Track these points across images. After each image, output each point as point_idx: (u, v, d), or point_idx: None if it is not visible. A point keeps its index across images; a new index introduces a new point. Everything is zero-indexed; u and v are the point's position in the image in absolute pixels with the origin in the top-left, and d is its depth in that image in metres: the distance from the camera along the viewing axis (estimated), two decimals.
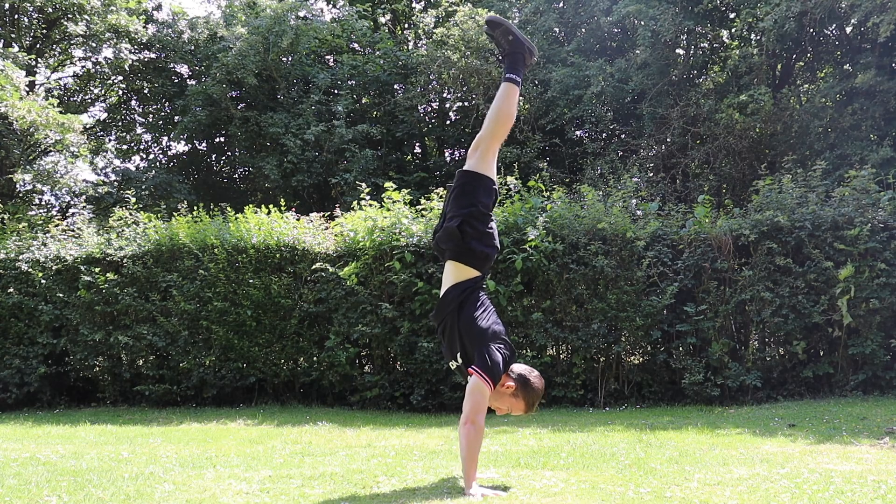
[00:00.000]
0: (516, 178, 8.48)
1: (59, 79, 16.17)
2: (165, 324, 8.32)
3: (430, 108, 15.98)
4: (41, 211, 14.89)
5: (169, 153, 17.70)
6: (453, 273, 3.81)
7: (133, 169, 16.41)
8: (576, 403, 7.69)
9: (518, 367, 3.79)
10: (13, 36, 13.89)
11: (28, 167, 13.12)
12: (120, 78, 16.37)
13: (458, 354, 3.75)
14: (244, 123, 14.79)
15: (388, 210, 8.18)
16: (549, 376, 7.73)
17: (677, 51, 13.37)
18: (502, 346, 3.70)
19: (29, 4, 13.53)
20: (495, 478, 3.97)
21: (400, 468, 4.35)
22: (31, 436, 6.35)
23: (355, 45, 16.52)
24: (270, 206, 8.98)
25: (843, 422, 5.90)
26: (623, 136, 13.88)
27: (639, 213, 8.70)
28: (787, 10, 10.64)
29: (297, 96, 14.92)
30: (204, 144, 17.19)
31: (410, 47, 16.59)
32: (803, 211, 7.67)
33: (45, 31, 14.45)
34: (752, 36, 12.80)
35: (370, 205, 8.33)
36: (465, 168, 3.91)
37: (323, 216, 8.89)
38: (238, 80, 14.29)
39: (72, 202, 15.42)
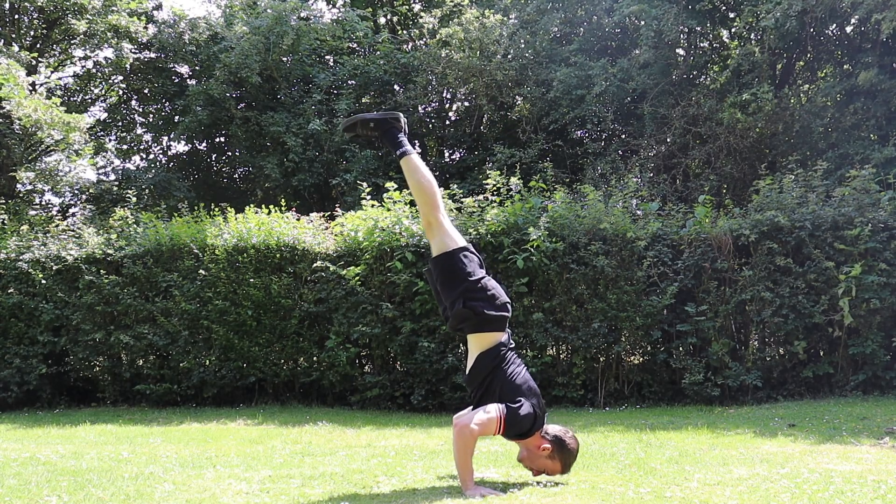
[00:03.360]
0: (518, 179, 8.48)
1: (60, 78, 16.16)
2: (166, 324, 8.32)
3: (430, 109, 15.98)
4: (41, 211, 14.89)
5: (169, 153, 17.71)
6: (478, 343, 3.81)
7: (133, 169, 16.43)
8: (576, 403, 7.69)
9: (553, 429, 3.79)
10: (13, 36, 13.89)
11: (30, 166, 13.13)
12: (120, 78, 16.37)
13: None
14: (245, 123, 14.80)
15: (389, 210, 8.18)
16: (550, 376, 7.74)
17: (678, 51, 13.36)
18: (537, 403, 3.71)
19: (29, 4, 13.53)
20: (495, 478, 3.97)
21: (400, 468, 4.35)
22: (31, 436, 6.35)
23: (354, 46, 16.52)
24: (271, 206, 8.98)
25: (843, 422, 5.90)
26: (624, 136, 13.87)
27: (639, 213, 8.70)
28: (789, 8, 10.63)
29: (297, 96, 14.93)
30: (204, 144, 17.18)
31: (411, 47, 16.58)
32: (803, 211, 7.67)
33: (45, 30, 14.45)
34: (753, 35, 12.78)
35: (372, 205, 8.33)
36: (433, 256, 3.91)
37: (323, 216, 8.89)
38: (240, 80, 14.29)
39: (72, 202, 15.43)
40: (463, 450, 3.56)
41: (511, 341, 3.88)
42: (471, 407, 3.82)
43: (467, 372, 3.86)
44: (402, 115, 4.03)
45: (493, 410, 3.60)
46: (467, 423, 3.56)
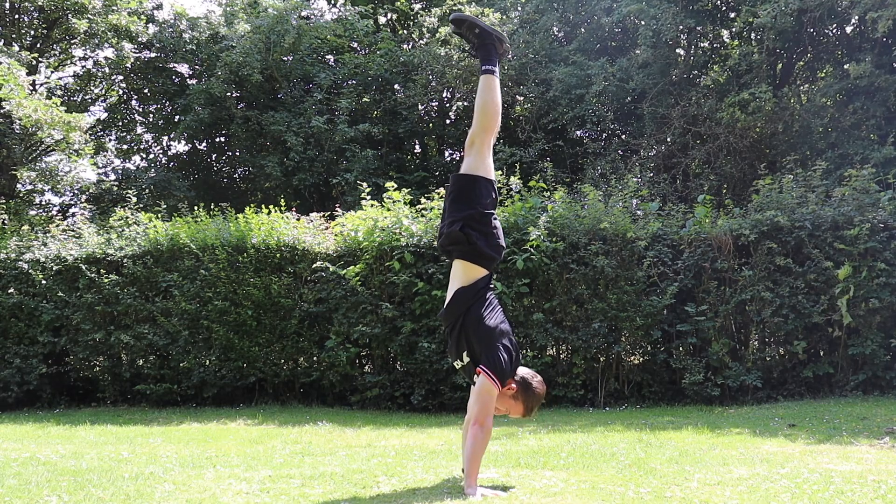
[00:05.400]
0: (517, 178, 8.48)
1: (60, 78, 16.17)
2: (166, 324, 8.32)
3: (430, 108, 15.98)
4: (41, 211, 14.90)
5: (169, 153, 17.71)
6: (462, 273, 3.79)
7: (133, 168, 16.44)
8: (576, 403, 7.69)
9: (521, 371, 3.77)
10: (14, 36, 13.89)
11: (30, 166, 13.13)
12: (120, 77, 16.38)
13: (465, 353, 3.74)
14: (245, 123, 14.81)
15: (389, 210, 8.18)
16: (550, 376, 7.73)
17: (678, 50, 13.36)
18: (509, 345, 3.69)
19: (29, 4, 13.53)
20: (495, 478, 3.97)
21: (400, 468, 4.35)
22: (31, 436, 6.35)
23: (355, 45, 16.52)
24: (271, 205, 8.98)
25: (843, 422, 5.90)
26: (624, 135, 13.88)
27: (639, 213, 8.69)
28: (785, 6, 10.64)
29: (298, 95, 14.93)
30: (204, 144, 17.20)
31: (411, 46, 16.59)
32: (803, 211, 7.67)
33: (45, 30, 14.45)
34: (752, 35, 12.79)
35: (371, 205, 8.34)
36: (460, 171, 3.90)
37: (323, 216, 8.89)
38: (241, 80, 14.29)
39: (72, 202, 15.43)
40: (479, 448, 3.56)
41: (492, 283, 3.86)
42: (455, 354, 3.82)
43: (444, 306, 3.85)
44: (507, 41, 4.06)
45: (480, 385, 3.57)
46: (480, 421, 3.55)
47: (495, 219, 3.83)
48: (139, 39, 14.54)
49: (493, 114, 3.88)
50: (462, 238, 3.72)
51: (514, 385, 3.71)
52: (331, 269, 8.09)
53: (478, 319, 3.69)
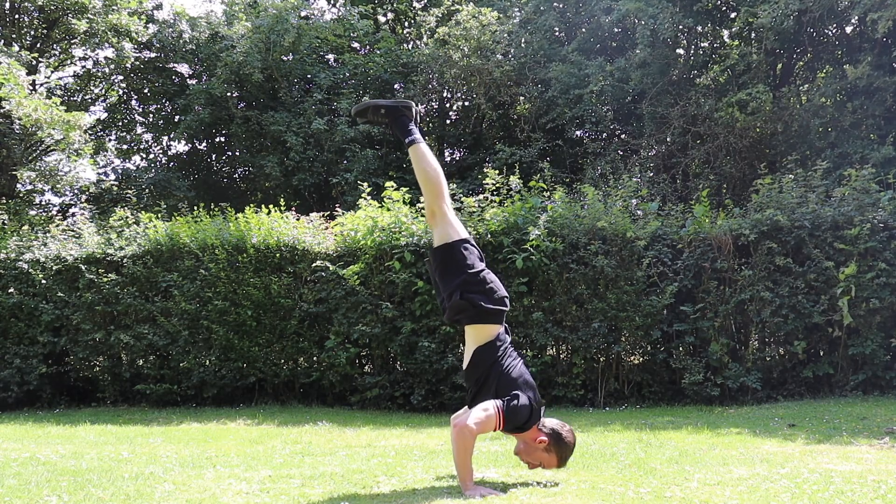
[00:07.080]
0: (518, 178, 8.47)
1: (60, 78, 16.18)
2: (166, 324, 8.32)
3: (430, 108, 15.98)
4: (41, 211, 14.90)
5: (169, 153, 17.72)
6: (476, 335, 3.80)
7: (133, 168, 16.45)
8: (576, 403, 7.69)
9: (550, 422, 3.78)
10: (14, 35, 13.89)
11: (30, 166, 13.13)
12: (120, 77, 16.39)
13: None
14: (245, 122, 14.81)
15: (388, 210, 8.18)
16: (549, 376, 7.74)
17: (677, 50, 13.37)
18: (532, 396, 3.70)
19: (29, 3, 13.54)
20: (495, 478, 3.97)
21: (400, 468, 4.35)
22: (31, 436, 6.35)
23: (356, 45, 16.53)
24: (271, 205, 8.98)
25: (843, 422, 5.90)
26: (623, 135, 13.88)
27: (639, 212, 8.69)
28: (786, 7, 10.64)
29: (298, 96, 14.93)
30: (204, 144, 17.21)
31: (411, 46, 16.58)
32: (803, 210, 7.67)
33: (45, 30, 14.46)
34: (752, 35, 12.80)
35: (370, 204, 8.33)
36: (434, 246, 3.91)
37: (323, 216, 8.89)
38: (241, 80, 14.30)
39: (72, 202, 15.44)
40: (463, 450, 3.56)
41: (508, 335, 3.88)
42: (466, 407, 3.82)
43: (465, 367, 3.86)
44: (413, 103, 4.05)
45: (491, 407, 3.59)
46: (466, 422, 3.55)
47: (487, 273, 3.83)
48: (139, 39, 14.53)
49: (435, 179, 3.88)
50: (466, 305, 3.73)
51: (544, 438, 3.72)
52: (331, 269, 8.09)
53: (499, 373, 3.71)
